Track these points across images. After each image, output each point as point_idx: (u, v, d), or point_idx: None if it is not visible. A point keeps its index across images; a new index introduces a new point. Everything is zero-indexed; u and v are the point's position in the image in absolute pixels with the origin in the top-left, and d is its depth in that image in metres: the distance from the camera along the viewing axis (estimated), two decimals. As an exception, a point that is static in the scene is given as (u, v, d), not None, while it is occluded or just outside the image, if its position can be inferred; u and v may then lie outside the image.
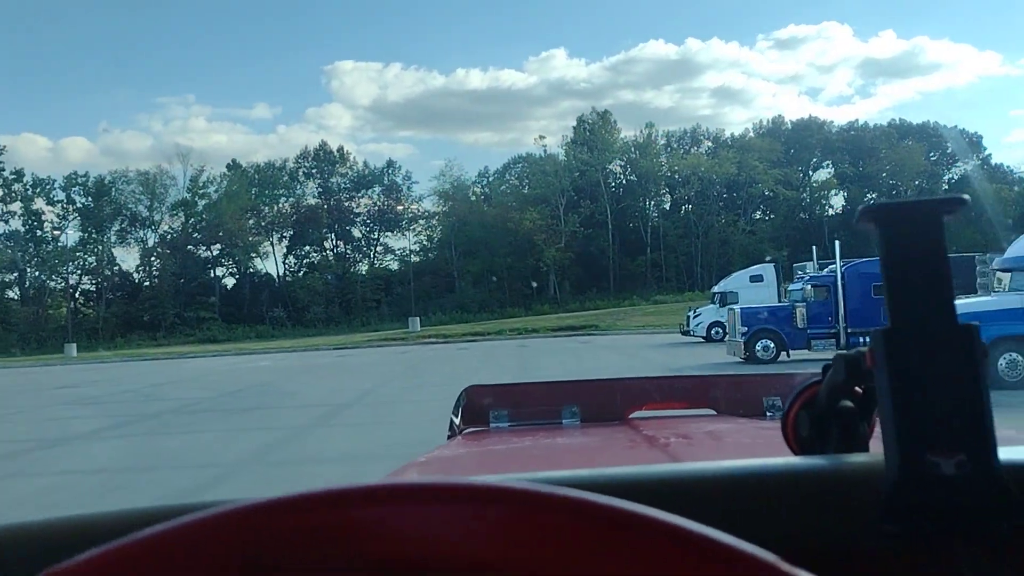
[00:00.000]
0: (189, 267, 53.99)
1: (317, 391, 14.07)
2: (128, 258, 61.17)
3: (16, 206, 50.97)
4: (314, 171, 59.79)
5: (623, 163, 63.86)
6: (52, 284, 51.59)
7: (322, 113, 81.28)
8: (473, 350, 27.12)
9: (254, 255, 56.39)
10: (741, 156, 59.66)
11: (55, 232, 51.91)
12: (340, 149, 60.46)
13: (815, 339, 15.28)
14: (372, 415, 9.95)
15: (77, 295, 53.26)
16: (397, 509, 0.29)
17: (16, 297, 50.68)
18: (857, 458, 0.64)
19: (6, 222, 50.70)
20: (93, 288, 53.74)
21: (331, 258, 59.08)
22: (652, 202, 63.36)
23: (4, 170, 50.31)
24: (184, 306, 51.21)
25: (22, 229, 51.08)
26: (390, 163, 60.55)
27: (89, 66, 70.39)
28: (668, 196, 64.22)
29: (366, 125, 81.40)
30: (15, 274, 50.69)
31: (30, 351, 43.66)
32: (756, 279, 25.09)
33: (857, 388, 0.70)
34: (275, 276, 58.07)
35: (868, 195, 58.63)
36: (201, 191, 55.02)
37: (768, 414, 1.50)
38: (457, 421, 1.59)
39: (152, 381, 18.71)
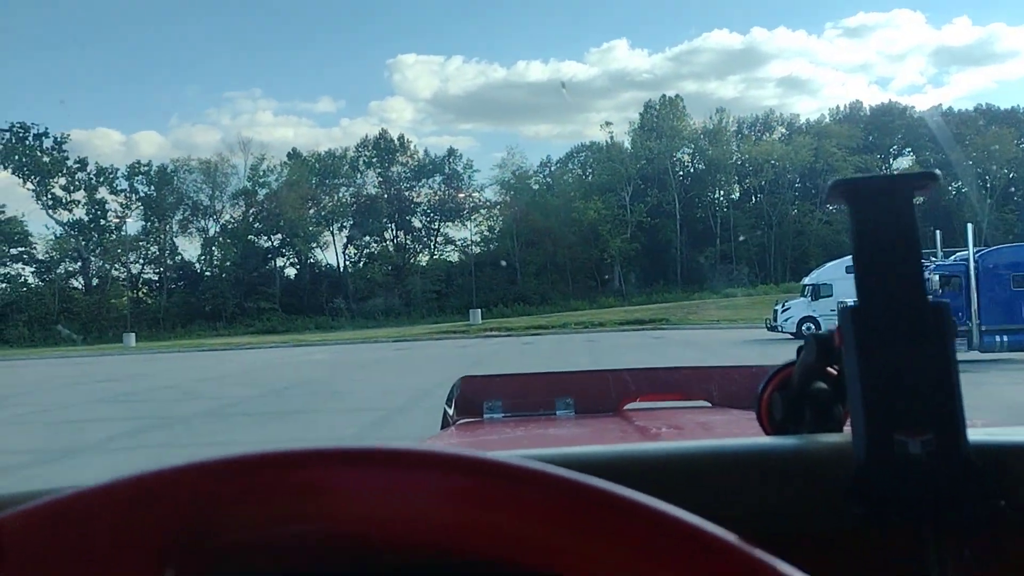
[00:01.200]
0: (250, 257, 53.50)
1: (371, 391, 12.59)
2: (189, 248, 61.19)
3: (80, 195, 51.02)
4: (375, 160, 58.75)
5: (691, 151, 61.34)
6: (115, 273, 51.52)
7: (384, 106, 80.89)
8: (538, 344, 25.48)
9: (314, 245, 55.65)
10: (818, 143, 56.68)
11: (118, 221, 51.81)
12: (401, 138, 59.35)
13: None
14: (431, 423, 8.34)
15: (140, 284, 53.22)
16: (348, 473, 0.28)
17: (80, 287, 50.75)
18: (828, 438, 0.64)
19: (70, 211, 50.76)
20: (155, 277, 53.66)
21: (391, 248, 58.03)
22: (722, 191, 60.73)
23: (68, 159, 50.35)
24: (245, 296, 50.74)
25: (86, 218, 51.10)
26: (451, 152, 59.23)
27: (162, 63, 71.53)
28: (738, 185, 61.53)
29: (427, 118, 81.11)
30: (79, 263, 50.77)
31: (92, 340, 43.56)
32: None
33: (832, 370, 0.69)
34: (335, 266, 57.31)
35: (953, 184, 55.15)
36: (261, 180, 54.46)
37: None
38: (451, 412, 1.57)
39: (199, 375, 17.56)
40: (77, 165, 50.95)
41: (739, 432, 1.29)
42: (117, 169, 52.71)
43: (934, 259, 15.29)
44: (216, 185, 53.54)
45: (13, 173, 48.75)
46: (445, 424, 1.57)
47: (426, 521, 0.28)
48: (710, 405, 1.58)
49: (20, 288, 47.76)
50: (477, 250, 58.55)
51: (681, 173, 60.11)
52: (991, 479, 0.52)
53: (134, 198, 52.87)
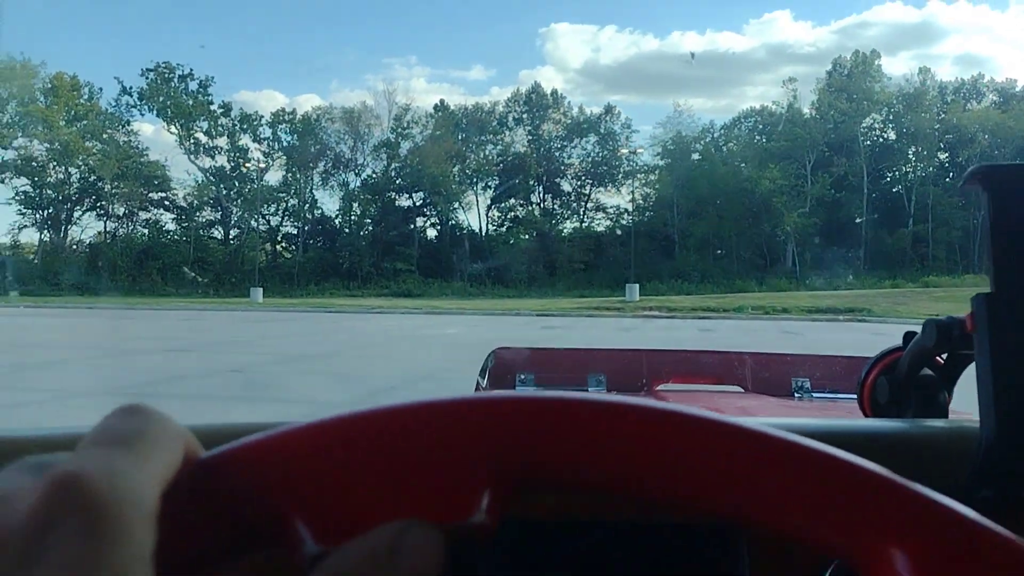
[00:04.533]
0: (389, 214, 50.50)
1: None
2: (329, 202, 59.15)
3: (222, 141, 49.26)
4: (525, 116, 54.35)
5: (882, 117, 53.49)
6: (254, 224, 49.63)
7: (534, 76, 79.18)
8: (721, 331, 20.30)
9: (456, 205, 52.00)
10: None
11: (259, 170, 49.78)
12: (554, 92, 54.63)
13: None
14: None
15: (278, 238, 51.23)
16: (668, 432, 0.28)
17: (218, 236, 49.19)
18: (941, 423, 0.65)
19: (212, 157, 49.07)
20: (294, 231, 51.53)
21: (537, 213, 53.64)
22: (920, 164, 52.65)
23: (212, 103, 48.59)
24: (381, 256, 47.79)
25: (228, 166, 49.33)
26: (608, 109, 53.95)
27: (327, 25, 71.38)
28: (937, 158, 53.23)
29: (576, 88, 78.27)
30: (219, 212, 49.17)
31: (224, 292, 41.67)
32: None
33: (939, 358, 0.70)
34: (477, 230, 53.56)
35: None
36: (405, 132, 51.14)
37: (796, 395, 1.51)
38: (483, 383, 1.59)
39: (298, 348, 13.70)
40: (221, 110, 49.17)
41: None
42: (261, 116, 50.70)
43: None
44: (358, 136, 50.64)
45: (157, 115, 47.47)
46: None
47: (724, 490, 0.27)
48: (743, 391, 1.54)
49: (159, 235, 46.57)
50: (629, 219, 53.37)
51: (868, 142, 52.53)
52: None
53: (276, 147, 50.77)
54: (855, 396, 0.79)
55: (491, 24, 75.90)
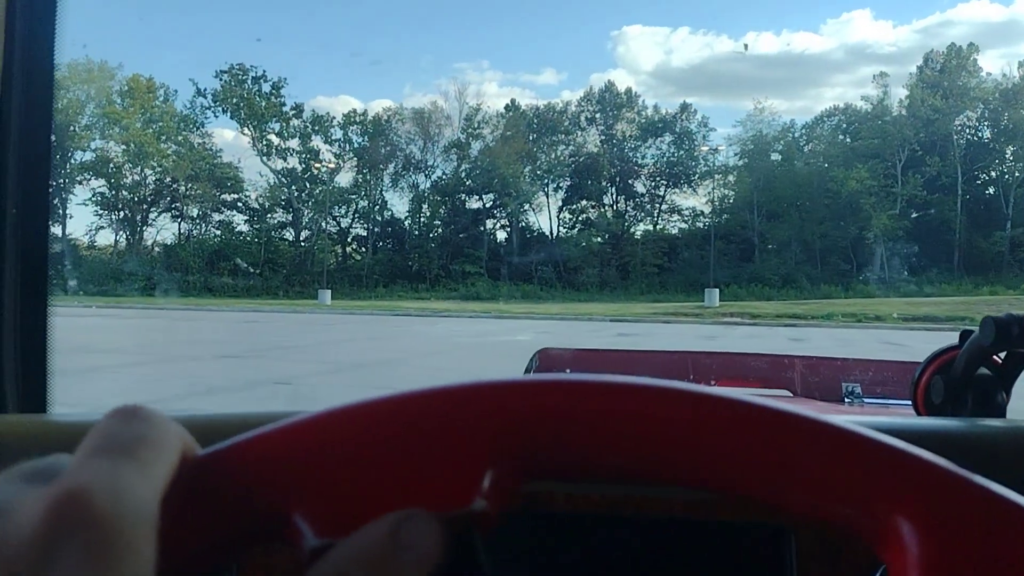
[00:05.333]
0: (459, 216, 49.75)
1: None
2: (398, 204, 58.76)
3: (294, 143, 49.22)
4: (597, 116, 52.96)
5: (977, 114, 50.34)
6: (324, 226, 49.44)
7: (605, 79, 77.75)
8: (813, 340, 18.63)
9: (527, 207, 50.92)
10: None
11: (330, 171, 49.59)
12: (628, 91, 53.11)
13: None
14: None
15: (349, 239, 50.96)
16: (681, 413, 0.27)
17: (289, 238, 49.14)
18: (998, 423, 0.62)
19: (284, 159, 49.07)
20: (364, 233, 51.19)
21: (609, 215, 52.16)
22: (1019, 164, 49.36)
23: (284, 105, 48.58)
24: (450, 258, 47.04)
25: (299, 167, 49.27)
26: (684, 107, 52.16)
27: (401, 31, 71.74)
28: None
29: (648, 91, 77.16)
30: (290, 214, 49.14)
31: (293, 294, 41.46)
32: None
33: (996, 357, 0.68)
34: (547, 232, 52.36)
35: None
36: (475, 132, 50.30)
37: (846, 400, 1.50)
38: None
39: (358, 355, 12.76)
40: (293, 112, 49.15)
41: None
42: (333, 118, 50.55)
43: None
44: (429, 137, 50.04)
45: (231, 117, 47.69)
46: None
47: (743, 474, 0.27)
48: (791, 395, 1.53)
49: (231, 236, 46.72)
50: (705, 221, 51.45)
51: (962, 141, 49.50)
52: None
53: (347, 148, 50.52)
54: (909, 402, 0.77)
55: (563, 28, 75.43)
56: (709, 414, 0.27)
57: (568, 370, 1.45)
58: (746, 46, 66.70)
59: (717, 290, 33.67)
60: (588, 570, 0.60)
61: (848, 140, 50.77)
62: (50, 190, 0.95)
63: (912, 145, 46.19)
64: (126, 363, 10.60)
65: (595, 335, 20.22)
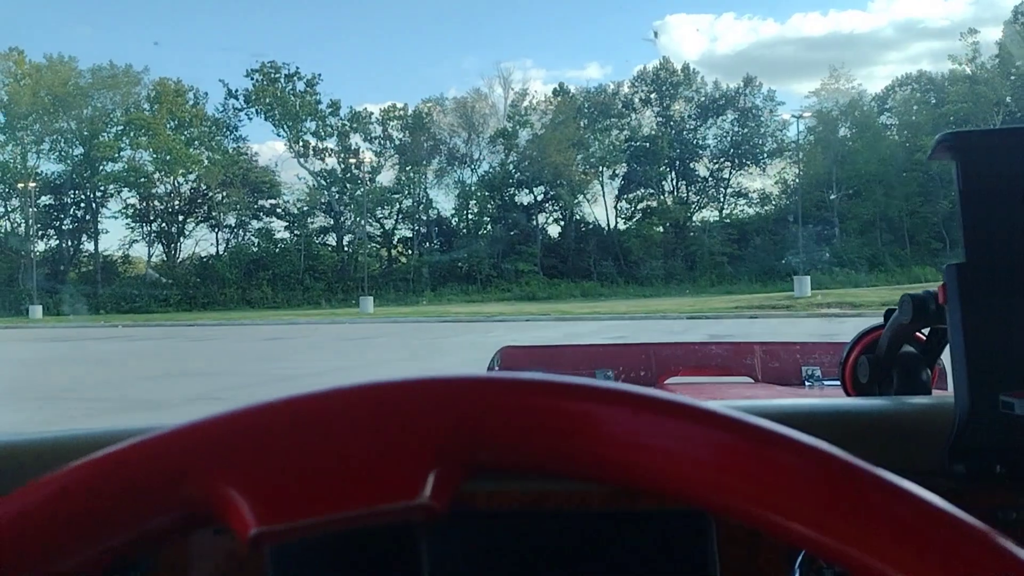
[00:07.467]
0: (509, 212, 46.45)
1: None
2: (444, 201, 55.73)
3: (332, 142, 46.41)
4: (652, 96, 49.13)
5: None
6: (369, 229, 46.53)
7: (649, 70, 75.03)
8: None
9: (580, 198, 47.33)
10: None
11: (371, 170, 46.70)
12: (686, 68, 49.14)
13: None
14: None
15: (394, 241, 47.98)
16: (620, 413, 0.27)
17: (331, 243, 46.37)
18: (918, 399, 0.64)
19: (322, 160, 46.28)
20: (410, 234, 48.16)
21: (670, 202, 48.29)
22: None
23: (320, 102, 45.80)
24: (502, 256, 43.76)
25: (338, 168, 46.41)
26: (748, 81, 47.98)
27: (446, 33, 69.65)
28: None
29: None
30: (331, 218, 46.38)
31: (336, 303, 38.64)
32: None
33: (920, 334, 0.69)
34: (604, 224, 48.71)
35: None
36: (523, 119, 46.87)
37: (807, 384, 1.53)
38: None
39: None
40: (329, 109, 46.33)
41: None
42: (371, 114, 47.58)
43: None
44: (473, 128, 46.76)
45: (265, 118, 45.10)
46: None
47: (682, 475, 0.27)
48: (752, 381, 1.56)
49: (270, 244, 44.11)
50: (775, 204, 47.28)
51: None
52: None
53: (388, 145, 47.55)
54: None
55: (605, 20, 72.86)
56: (644, 416, 0.27)
57: (526, 368, 1.45)
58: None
59: (808, 277, 29.72)
60: (516, 567, 0.61)
61: (922, 109, 46.19)
62: None
63: (1010, 107, 41.48)
64: (64, 407, 7.53)
65: (678, 339, 16.72)
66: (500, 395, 0.28)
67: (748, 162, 48.06)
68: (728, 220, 47.05)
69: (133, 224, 43.52)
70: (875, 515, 0.25)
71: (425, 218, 48.26)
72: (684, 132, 48.83)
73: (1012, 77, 42.65)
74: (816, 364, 1.52)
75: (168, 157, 41.44)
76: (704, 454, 0.27)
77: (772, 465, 0.26)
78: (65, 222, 43.70)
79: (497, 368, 1.58)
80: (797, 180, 46.24)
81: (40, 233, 43.16)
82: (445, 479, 0.27)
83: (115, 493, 0.26)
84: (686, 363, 1.61)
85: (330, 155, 46.56)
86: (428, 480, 0.27)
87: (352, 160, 46.34)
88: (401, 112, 47.60)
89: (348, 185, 46.65)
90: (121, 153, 42.16)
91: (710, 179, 49.03)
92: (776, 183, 47.73)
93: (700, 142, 49.03)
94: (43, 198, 42.64)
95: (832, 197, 43.31)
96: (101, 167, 41.82)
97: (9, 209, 42.15)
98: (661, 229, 46.38)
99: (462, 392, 0.28)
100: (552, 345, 1.75)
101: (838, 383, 1.49)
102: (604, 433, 0.27)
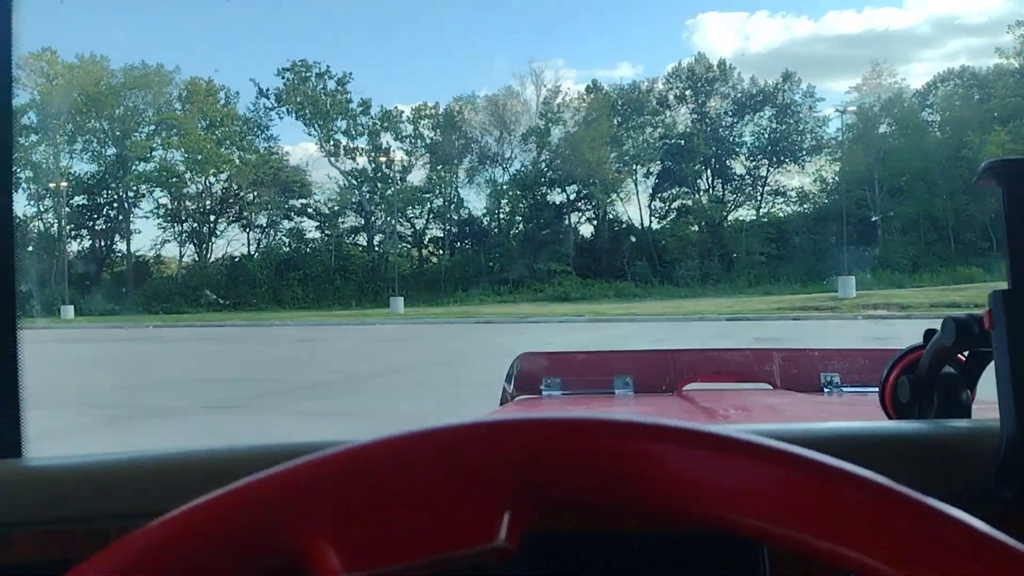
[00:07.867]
0: (541, 211, 45.77)
1: None
2: (476, 201, 55.17)
3: (362, 142, 46.02)
4: (687, 92, 48.14)
5: None
6: (400, 229, 46.09)
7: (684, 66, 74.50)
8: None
9: (614, 196, 46.49)
10: None
11: (402, 170, 46.27)
12: (721, 63, 48.08)
13: None
14: None
15: (425, 241, 47.50)
16: (679, 451, 0.28)
17: (362, 243, 45.99)
18: (964, 423, 0.64)
19: (353, 159, 45.92)
20: (441, 234, 47.67)
21: (706, 201, 47.29)
22: None
23: (351, 101, 45.43)
24: (534, 256, 43.09)
25: (369, 167, 46.03)
26: (787, 76, 46.84)
27: (477, 34, 69.61)
28: None
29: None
30: (362, 218, 45.99)
31: (366, 303, 38.22)
32: None
33: (960, 356, 0.70)
34: (638, 223, 47.83)
35: None
36: (555, 116, 46.15)
37: (826, 390, 1.53)
38: (510, 388, 1.61)
39: (411, 390, 8.92)
40: (360, 108, 45.96)
41: (808, 415, 1.33)
42: (402, 112, 47.14)
43: None
44: (504, 126, 46.13)
45: (296, 117, 44.86)
46: (504, 400, 1.57)
47: (748, 512, 0.27)
48: (771, 387, 1.57)
49: (301, 244, 43.85)
50: (814, 202, 46.07)
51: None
52: None
53: (419, 144, 47.09)
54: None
55: (637, 19, 72.09)
56: (715, 455, 0.28)
57: (547, 381, 1.50)
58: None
59: (853, 278, 28.70)
60: None
61: (965, 104, 44.71)
62: (11, 203, 0.76)
63: (1062, 100, 40.03)
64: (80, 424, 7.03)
65: (721, 344, 15.94)
66: (569, 436, 0.29)
67: (786, 159, 46.93)
68: (766, 219, 45.94)
69: (165, 224, 43.58)
70: (929, 543, 0.26)
71: (456, 217, 47.76)
72: (720, 129, 47.80)
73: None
74: (835, 371, 1.52)
75: (199, 157, 41.37)
76: (771, 491, 0.27)
77: (835, 500, 0.27)
78: (98, 222, 43.83)
79: (516, 374, 1.58)
80: (836, 178, 45.03)
81: (73, 233, 43.36)
82: (518, 520, 0.28)
83: (211, 548, 0.27)
84: (705, 370, 1.61)
85: (361, 154, 46.25)
86: (503, 522, 0.28)
87: (383, 159, 45.96)
88: (432, 111, 47.14)
89: (379, 184, 46.29)
90: (153, 153, 42.21)
91: (747, 177, 47.96)
92: (815, 181, 46.55)
93: (736, 139, 47.99)
94: (76, 198, 42.81)
95: (875, 195, 42.06)
96: (133, 167, 41.84)
97: (42, 209, 42.32)
98: (696, 228, 45.42)
99: (534, 432, 0.29)
100: (571, 352, 1.71)
101: (856, 390, 1.46)
102: (671, 473, 0.28)
